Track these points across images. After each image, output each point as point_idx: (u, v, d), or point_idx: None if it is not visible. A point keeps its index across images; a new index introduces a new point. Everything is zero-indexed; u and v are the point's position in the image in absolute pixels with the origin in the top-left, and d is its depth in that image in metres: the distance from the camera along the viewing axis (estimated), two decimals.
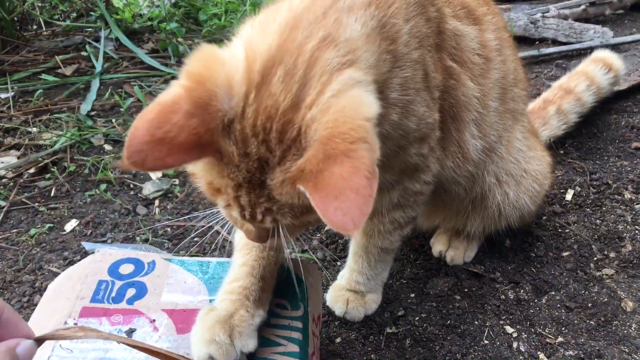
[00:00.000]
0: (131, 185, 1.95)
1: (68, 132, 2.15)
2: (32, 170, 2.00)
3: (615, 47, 2.57)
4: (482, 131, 1.29)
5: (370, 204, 0.72)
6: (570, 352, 1.35)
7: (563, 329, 1.42)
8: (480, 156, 1.32)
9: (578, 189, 1.85)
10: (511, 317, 1.46)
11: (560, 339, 1.39)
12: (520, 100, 1.44)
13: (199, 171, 0.89)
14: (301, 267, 1.19)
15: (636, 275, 1.55)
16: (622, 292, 1.50)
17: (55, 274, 1.54)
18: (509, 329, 1.42)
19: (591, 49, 2.47)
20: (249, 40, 0.87)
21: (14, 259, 1.66)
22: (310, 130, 0.79)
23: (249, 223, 0.91)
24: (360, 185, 0.72)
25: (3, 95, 2.40)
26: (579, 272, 1.57)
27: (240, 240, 1.16)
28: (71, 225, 1.78)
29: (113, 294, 1.15)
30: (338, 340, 1.40)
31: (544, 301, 1.49)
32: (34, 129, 2.20)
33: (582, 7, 3.00)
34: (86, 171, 2.00)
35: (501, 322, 1.44)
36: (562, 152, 2.02)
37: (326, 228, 1.73)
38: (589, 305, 1.47)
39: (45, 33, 2.91)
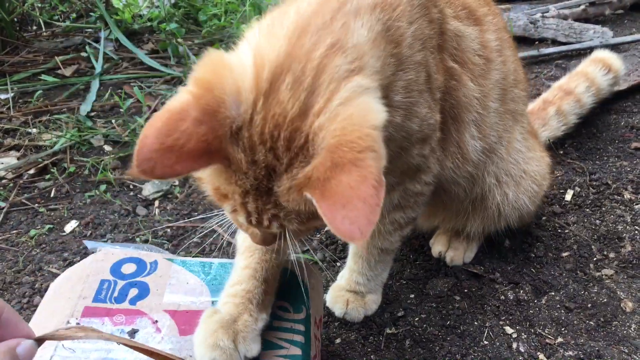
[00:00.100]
0: (131, 186, 1.95)
1: (68, 133, 2.15)
2: (32, 171, 2.00)
3: (615, 47, 2.57)
4: (482, 132, 1.29)
5: (378, 213, 0.72)
6: (570, 353, 1.36)
7: (563, 329, 1.42)
8: (480, 157, 1.32)
9: (578, 189, 1.85)
10: (511, 317, 1.46)
11: (559, 339, 1.39)
12: (520, 101, 1.44)
13: (206, 176, 0.89)
14: (305, 270, 1.19)
15: (636, 275, 1.56)
16: (621, 293, 1.50)
17: (55, 275, 1.54)
18: (509, 330, 1.42)
19: (591, 49, 2.47)
20: (257, 45, 0.87)
21: (13, 260, 1.66)
22: (318, 138, 0.79)
23: (255, 228, 0.91)
24: (368, 195, 0.72)
25: (3, 96, 2.40)
26: (578, 272, 1.57)
27: (243, 242, 1.16)
28: (71, 226, 1.78)
29: (115, 294, 1.15)
30: (338, 341, 1.40)
31: (543, 302, 1.50)
32: (34, 130, 2.20)
33: (582, 7, 2.99)
34: (86, 172, 2.00)
35: (501, 322, 1.44)
36: (561, 152, 2.02)
37: (326, 228, 1.73)
38: (589, 305, 1.48)
39: (45, 34, 2.91)
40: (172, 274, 1.21)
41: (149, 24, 2.92)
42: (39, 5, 2.98)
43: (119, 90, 2.46)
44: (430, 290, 1.53)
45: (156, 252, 1.31)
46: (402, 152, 1.08)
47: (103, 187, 1.93)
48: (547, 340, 1.39)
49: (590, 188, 1.85)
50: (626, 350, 1.36)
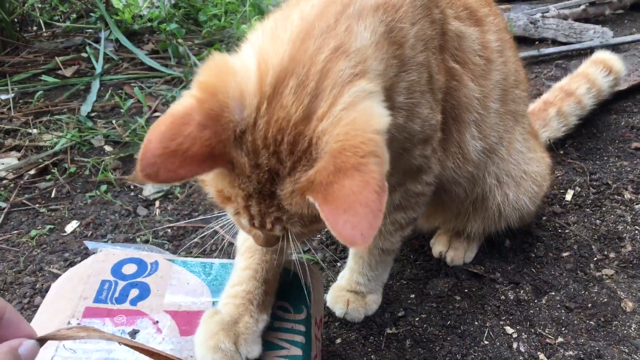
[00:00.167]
0: (131, 187, 1.95)
1: (68, 133, 2.15)
2: (32, 172, 2.01)
3: (615, 47, 2.57)
4: (482, 132, 1.29)
5: (380, 219, 0.72)
6: (570, 353, 1.36)
7: (563, 329, 1.42)
8: (481, 157, 1.32)
9: (578, 189, 1.86)
10: (511, 317, 1.46)
11: (560, 339, 1.40)
12: (521, 101, 1.44)
13: (209, 179, 0.90)
14: (307, 270, 1.19)
15: (636, 275, 1.56)
16: (621, 293, 1.51)
17: (56, 275, 1.54)
18: (509, 330, 1.42)
19: (591, 49, 2.48)
20: (261, 49, 0.87)
21: (14, 260, 1.66)
22: (321, 142, 0.79)
23: (258, 230, 0.91)
24: (370, 200, 0.73)
25: (3, 97, 2.40)
26: (578, 272, 1.58)
27: (243, 243, 1.16)
28: (72, 226, 1.78)
29: (116, 295, 1.15)
30: (338, 341, 1.40)
31: (543, 301, 1.50)
32: (35, 131, 2.20)
33: (582, 7, 2.99)
34: (86, 172, 2.00)
35: (501, 322, 1.45)
36: (562, 152, 2.02)
37: (326, 229, 1.73)
38: (589, 305, 1.48)
39: (45, 34, 2.91)
40: (172, 275, 1.21)
41: (149, 24, 2.92)
42: (39, 5, 2.98)
43: (120, 91, 2.47)
44: (430, 290, 1.53)
45: (157, 253, 1.31)
46: (404, 152, 1.08)
47: (104, 187, 1.93)
48: (548, 340, 1.39)
49: (591, 188, 1.85)
50: (626, 350, 1.36)
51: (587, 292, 1.52)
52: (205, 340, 1.01)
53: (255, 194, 0.84)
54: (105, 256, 1.24)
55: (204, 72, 0.84)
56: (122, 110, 2.32)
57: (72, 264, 1.60)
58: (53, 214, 1.84)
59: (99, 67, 2.59)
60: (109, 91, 2.46)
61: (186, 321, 1.10)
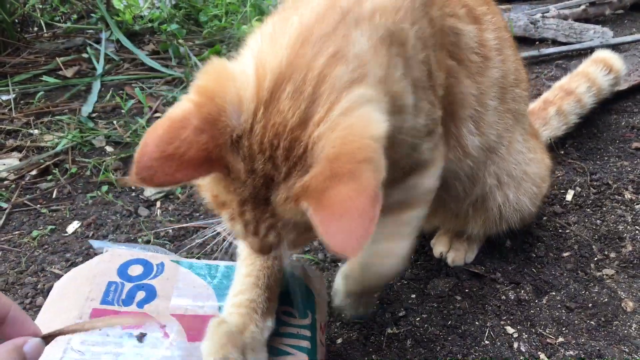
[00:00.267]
0: (133, 187, 1.95)
1: (69, 134, 2.15)
2: (33, 172, 2.01)
3: (615, 47, 2.56)
4: (479, 129, 1.30)
5: (373, 227, 0.71)
6: (571, 352, 1.36)
7: (563, 329, 1.42)
8: (480, 153, 1.32)
9: (578, 189, 1.86)
10: (512, 317, 1.46)
11: (560, 339, 1.40)
12: (521, 100, 1.44)
13: (206, 184, 0.90)
14: (310, 275, 1.19)
15: (636, 275, 1.56)
16: (622, 292, 1.51)
17: (58, 276, 1.54)
18: (510, 330, 1.43)
19: (591, 49, 2.48)
20: (259, 53, 0.87)
21: (16, 260, 1.66)
22: (317, 147, 0.78)
23: (252, 237, 0.91)
24: (365, 208, 0.71)
25: (4, 97, 2.40)
26: (579, 272, 1.58)
27: (245, 248, 1.16)
28: (73, 227, 1.79)
29: (123, 296, 1.14)
30: (339, 341, 1.40)
31: (544, 301, 1.50)
32: (36, 131, 2.20)
33: (582, 7, 3.00)
34: (88, 173, 2.01)
35: (502, 322, 1.45)
36: (562, 152, 2.02)
37: None
38: (590, 305, 1.48)
39: (46, 35, 2.91)
40: (178, 277, 1.20)
41: (149, 25, 2.92)
42: (40, 6, 2.98)
43: (120, 91, 2.47)
44: (431, 290, 1.54)
45: (162, 254, 1.30)
46: (413, 151, 1.08)
47: (105, 187, 1.93)
48: (548, 340, 1.39)
49: (591, 188, 1.86)
50: (627, 350, 1.36)
51: (587, 292, 1.52)
52: (215, 351, 1.01)
53: (250, 200, 0.83)
54: (111, 257, 1.23)
55: (202, 76, 0.84)
56: (123, 111, 2.32)
57: (73, 265, 1.60)
58: (54, 214, 1.84)
59: (99, 67, 2.59)
60: (110, 92, 2.46)
61: (193, 326, 1.09)
